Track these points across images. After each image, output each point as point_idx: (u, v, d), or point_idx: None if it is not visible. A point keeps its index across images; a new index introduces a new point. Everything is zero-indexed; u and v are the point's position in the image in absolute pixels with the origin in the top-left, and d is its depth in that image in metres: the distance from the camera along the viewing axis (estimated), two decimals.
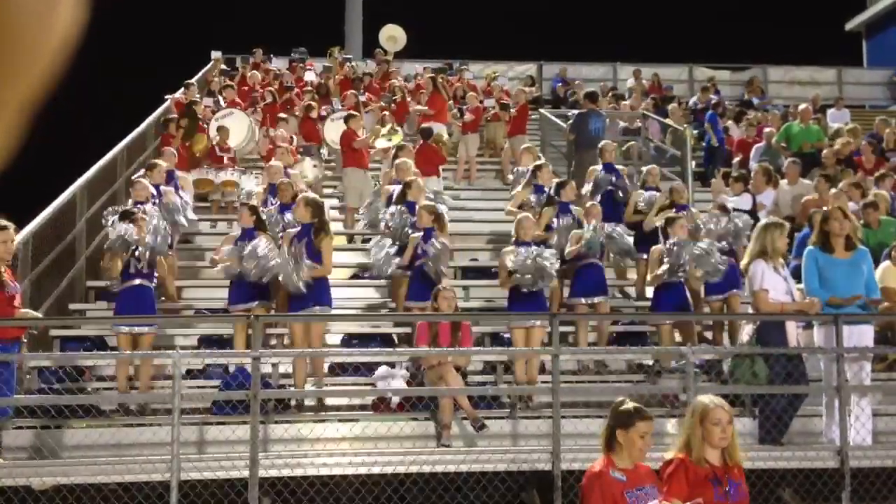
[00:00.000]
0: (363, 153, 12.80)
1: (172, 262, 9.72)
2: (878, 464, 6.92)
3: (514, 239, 8.66)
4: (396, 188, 10.06)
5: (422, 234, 8.85)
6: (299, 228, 8.21)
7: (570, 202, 10.01)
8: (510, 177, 15.17)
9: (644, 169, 11.72)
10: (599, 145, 11.81)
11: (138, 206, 8.95)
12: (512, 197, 11.43)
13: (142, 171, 10.79)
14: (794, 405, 7.11)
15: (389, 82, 18.32)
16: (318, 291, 8.03)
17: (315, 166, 13.60)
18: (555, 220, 9.75)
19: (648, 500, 4.01)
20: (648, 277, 9.05)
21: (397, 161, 10.83)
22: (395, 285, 9.69)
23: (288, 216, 9.33)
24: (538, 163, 11.25)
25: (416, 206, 9.22)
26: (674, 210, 9.88)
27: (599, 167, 11.30)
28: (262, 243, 8.25)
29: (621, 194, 10.95)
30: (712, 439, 4.12)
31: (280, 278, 8.05)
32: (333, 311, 8.51)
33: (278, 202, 9.90)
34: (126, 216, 8.22)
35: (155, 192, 9.83)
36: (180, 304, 9.95)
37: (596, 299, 9.06)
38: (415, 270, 8.80)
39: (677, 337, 8.71)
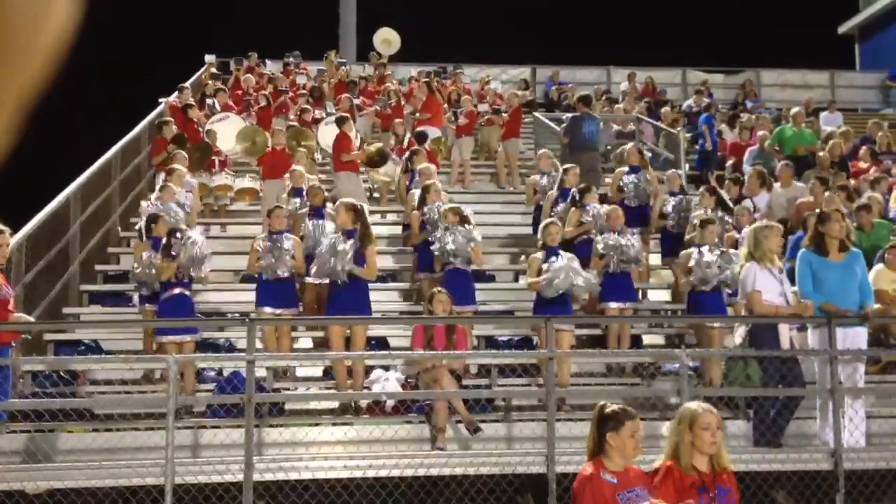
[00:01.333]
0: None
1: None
2: (872, 466, 6.93)
3: (540, 244, 8.63)
4: (417, 192, 10.14)
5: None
6: (339, 234, 8.16)
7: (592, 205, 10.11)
8: (505, 183, 15.25)
9: (665, 175, 11.71)
10: (627, 148, 11.88)
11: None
12: (552, 215, 10.84)
13: (162, 176, 10.78)
14: (789, 407, 7.10)
15: (384, 86, 18.31)
16: (360, 300, 8.03)
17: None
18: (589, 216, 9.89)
19: (639, 501, 4.01)
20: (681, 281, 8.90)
21: (419, 167, 10.93)
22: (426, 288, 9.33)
23: (320, 221, 9.49)
24: (567, 166, 11.28)
25: (438, 207, 9.40)
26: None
27: (626, 168, 11.32)
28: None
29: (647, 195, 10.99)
30: (702, 445, 4.09)
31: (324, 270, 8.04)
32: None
33: (308, 206, 9.83)
34: (173, 233, 8.16)
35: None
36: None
37: (626, 304, 9.09)
38: (446, 272, 8.80)
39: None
